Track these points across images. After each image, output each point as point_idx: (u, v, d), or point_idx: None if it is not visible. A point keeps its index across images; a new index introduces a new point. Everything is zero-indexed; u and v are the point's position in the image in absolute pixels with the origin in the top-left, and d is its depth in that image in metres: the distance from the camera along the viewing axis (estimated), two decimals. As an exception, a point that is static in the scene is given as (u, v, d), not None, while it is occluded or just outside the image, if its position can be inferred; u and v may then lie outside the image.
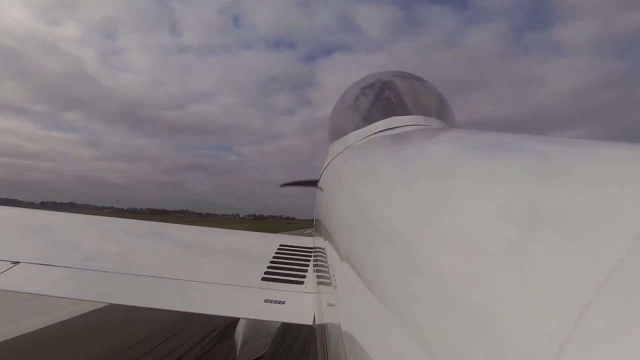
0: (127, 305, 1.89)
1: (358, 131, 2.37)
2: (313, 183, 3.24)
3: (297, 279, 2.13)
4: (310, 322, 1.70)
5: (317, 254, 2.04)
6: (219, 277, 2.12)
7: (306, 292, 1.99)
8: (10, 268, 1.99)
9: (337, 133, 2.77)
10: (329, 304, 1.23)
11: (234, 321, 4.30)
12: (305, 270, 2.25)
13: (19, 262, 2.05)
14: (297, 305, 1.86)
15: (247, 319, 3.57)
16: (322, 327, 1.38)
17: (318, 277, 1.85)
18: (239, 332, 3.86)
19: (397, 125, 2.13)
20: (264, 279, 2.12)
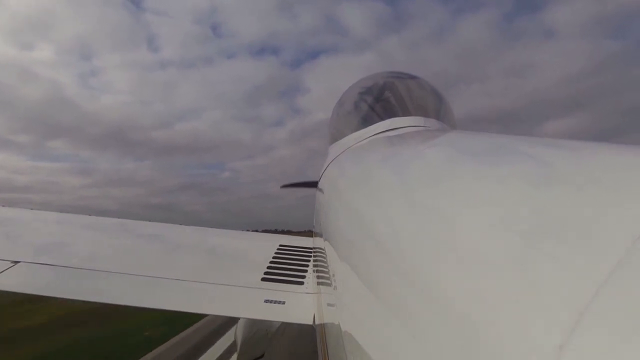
0: None
1: (357, 133, 2.37)
2: (313, 184, 3.23)
3: (297, 279, 2.13)
4: (310, 322, 1.70)
5: (317, 254, 2.04)
6: (219, 277, 2.12)
7: (306, 293, 1.99)
8: (10, 268, 1.99)
9: (337, 134, 2.77)
10: (329, 304, 1.23)
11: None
12: (305, 271, 2.25)
13: (19, 262, 2.05)
14: (296, 305, 1.86)
15: (247, 318, 3.57)
16: (322, 327, 1.38)
17: (318, 277, 1.85)
18: (239, 332, 3.86)
19: (396, 127, 2.13)
20: (263, 279, 2.13)
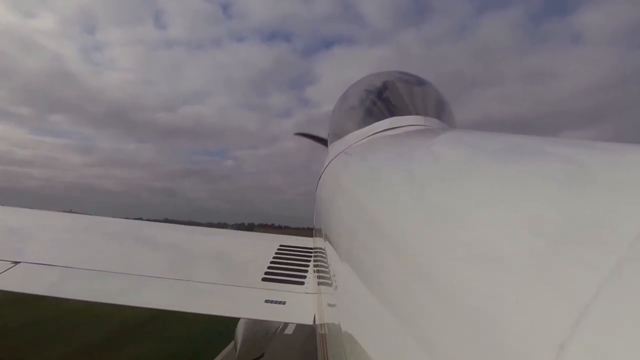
0: None
1: (358, 131, 2.38)
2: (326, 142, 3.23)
3: (298, 280, 2.13)
4: (310, 322, 1.70)
5: (318, 254, 2.04)
6: (219, 277, 2.12)
7: (306, 293, 1.99)
8: (10, 268, 2.00)
9: (337, 132, 2.78)
10: (329, 305, 1.23)
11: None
12: (306, 271, 2.25)
13: (20, 262, 2.05)
14: (297, 306, 1.86)
15: (247, 318, 3.57)
16: (322, 327, 1.38)
17: (319, 277, 1.85)
18: (239, 332, 3.86)
19: (397, 126, 2.14)
20: (264, 279, 2.13)
